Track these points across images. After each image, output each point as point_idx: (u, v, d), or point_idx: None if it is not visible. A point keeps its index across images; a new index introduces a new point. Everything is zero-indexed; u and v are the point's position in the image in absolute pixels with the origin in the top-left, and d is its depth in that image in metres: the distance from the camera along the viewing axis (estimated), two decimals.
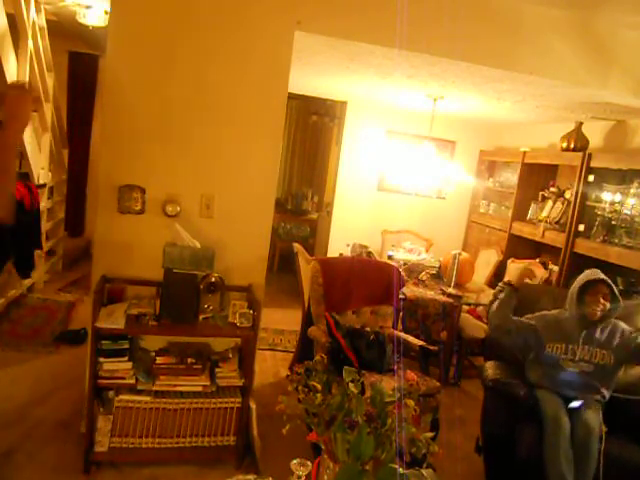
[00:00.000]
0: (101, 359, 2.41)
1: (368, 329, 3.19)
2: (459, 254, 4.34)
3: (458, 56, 2.84)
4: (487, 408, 2.73)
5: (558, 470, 2.30)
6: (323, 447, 1.41)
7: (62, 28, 4.71)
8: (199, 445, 2.60)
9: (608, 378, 2.58)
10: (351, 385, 1.43)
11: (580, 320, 2.60)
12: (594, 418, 2.40)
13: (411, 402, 1.41)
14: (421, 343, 3.22)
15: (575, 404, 2.50)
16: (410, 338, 3.30)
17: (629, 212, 3.76)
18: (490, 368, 2.78)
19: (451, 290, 4.08)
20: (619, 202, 3.85)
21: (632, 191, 3.75)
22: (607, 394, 2.58)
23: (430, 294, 4.00)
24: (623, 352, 2.56)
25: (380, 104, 5.46)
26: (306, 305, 3.53)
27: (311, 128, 7.36)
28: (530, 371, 2.69)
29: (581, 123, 4.40)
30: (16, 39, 3.56)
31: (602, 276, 2.60)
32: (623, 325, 2.63)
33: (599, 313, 2.55)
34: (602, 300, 2.54)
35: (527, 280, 2.73)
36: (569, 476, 2.29)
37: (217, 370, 2.60)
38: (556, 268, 4.38)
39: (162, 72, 2.54)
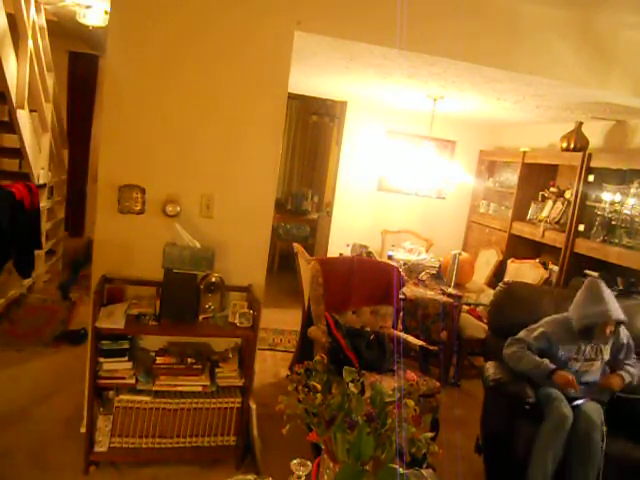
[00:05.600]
0: (101, 359, 2.41)
1: (368, 329, 3.19)
2: (459, 254, 4.34)
3: (458, 56, 2.84)
4: (487, 408, 2.73)
5: (543, 469, 2.32)
6: (323, 447, 1.41)
7: (62, 28, 4.71)
8: (199, 445, 2.60)
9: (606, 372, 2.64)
10: (351, 385, 1.43)
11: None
12: (596, 412, 2.42)
13: (411, 402, 1.41)
14: (421, 343, 3.22)
15: (579, 402, 2.51)
16: (410, 338, 3.30)
17: (629, 212, 3.76)
18: (491, 368, 2.77)
19: (451, 290, 4.07)
20: (619, 202, 3.85)
21: (632, 191, 3.75)
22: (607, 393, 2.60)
23: (430, 294, 4.00)
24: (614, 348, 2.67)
25: (380, 104, 5.46)
26: (306, 305, 3.53)
27: (311, 128, 7.36)
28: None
29: (581, 123, 4.40)
30: (16, 39, 3.56)
31: (611, 315, 2.56)
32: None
33: (608, 338, 2.63)
34: (610, 333, 2.60)
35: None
36: (550, 477, 2.32)
37: (217, 370, 2.60)
38: (556, 268, 4.38)
39: (162, 72, 2.54)
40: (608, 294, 2.62)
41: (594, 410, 2.43)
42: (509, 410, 2.57)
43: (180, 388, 2.54)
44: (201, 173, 2.66)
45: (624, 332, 2.70)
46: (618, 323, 2.62)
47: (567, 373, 2.52)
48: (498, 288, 3.18)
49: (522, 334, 2.73)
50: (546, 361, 2.58)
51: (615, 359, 2.68)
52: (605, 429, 2.38)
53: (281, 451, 2.42)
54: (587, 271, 4.06)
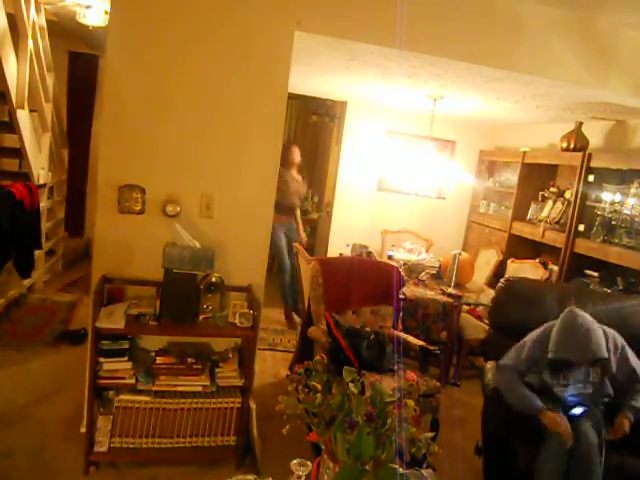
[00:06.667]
0: (101, 359, 2.41)
1: (368, 329, 3.19)
2: (459, 254, 4.34)
3: (458, 56, 2.84)
4: (487, 415, 2.68)
5: None
6: (323, 447, 1.41)
7: (62, 28, 4.71)
8: (199, 445, 2.60)
9: (604, 387, 2.45)
10: (351, 385, 1.43)
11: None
12: (595, 428, 2.34)
13: (411, 402, 1.41)
14: (421, 343, 3.22)
15: (577, 411, 2.44)
16: (410, 338, 3.30)
17: (629, 212, 3.76)
18: (490, 371, 2.72)
19: (451, 290, 4.07)
20: (619, 202, 3.85)
21: (632, 191, 3.75)
22: (609, 394, 2.55)
23: (430, 294, 4.00)
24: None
25: (380, 104, 5.46)
26: (306, 305, 3.53)
27: (311, 128, 7.35)
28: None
29: (581, 123, 4.40)
30: (16, 39, 3.56)
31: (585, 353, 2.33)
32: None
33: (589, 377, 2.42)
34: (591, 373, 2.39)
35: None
36: None
37: (217, 370, 2.60)
38: (556, 268, 4.38)
39: (162, 72, 2.54)
40: (586, 329, 2.31)
41: (593, 426, 2.35)
42: (509, 418, 2.50)
43: (180, 388, 2.54)
44: (201, 173, 2.66)
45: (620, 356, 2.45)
46: (598, 360, 2.33)
47: (556, 415, 2.31)
48: (499, 285, 3.12)
49: (512, 356, 2.56)
50: (534, 399, 2.37)
51: (618, 388, 2.44)
52: (605, 434, 2.32)
53: (281, 451, 2.42)
54: (587, 271, 4.07)
